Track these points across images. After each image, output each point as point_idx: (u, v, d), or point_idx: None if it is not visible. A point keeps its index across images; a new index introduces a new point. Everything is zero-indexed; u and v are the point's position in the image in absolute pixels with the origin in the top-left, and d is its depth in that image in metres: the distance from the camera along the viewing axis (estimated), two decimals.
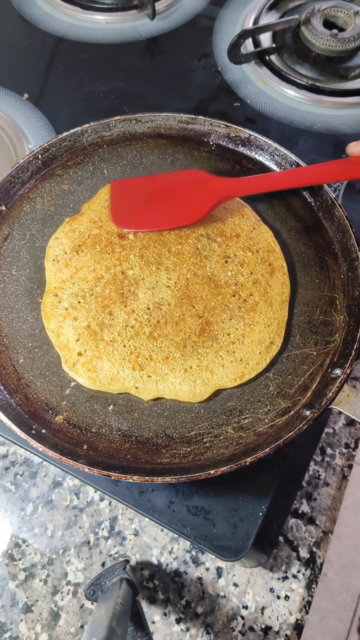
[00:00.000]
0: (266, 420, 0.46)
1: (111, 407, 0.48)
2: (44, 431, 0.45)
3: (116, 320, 0.50)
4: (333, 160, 0.54)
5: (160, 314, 0.50)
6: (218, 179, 0.55)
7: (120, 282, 0.51)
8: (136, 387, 0.48)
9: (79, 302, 0.51)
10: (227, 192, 0.54)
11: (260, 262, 0.53)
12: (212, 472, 0.41)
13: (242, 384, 0.48)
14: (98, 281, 0.52)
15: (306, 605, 0.50)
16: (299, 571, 0.51)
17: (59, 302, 0.51)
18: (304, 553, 0.52)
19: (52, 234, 0.55)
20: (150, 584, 0.51)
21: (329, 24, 0.77)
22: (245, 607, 0.50)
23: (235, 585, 0.51)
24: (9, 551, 0.52)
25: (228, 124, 0.59)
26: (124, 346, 0.49)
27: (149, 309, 0.50)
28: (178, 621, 0.49)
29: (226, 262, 0.53)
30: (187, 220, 0.53)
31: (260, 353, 0.49)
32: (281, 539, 0.52)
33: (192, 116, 0.60)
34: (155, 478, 0.41)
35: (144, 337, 0.49)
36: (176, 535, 0.52)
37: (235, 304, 0.50)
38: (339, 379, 0.45)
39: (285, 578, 0.51)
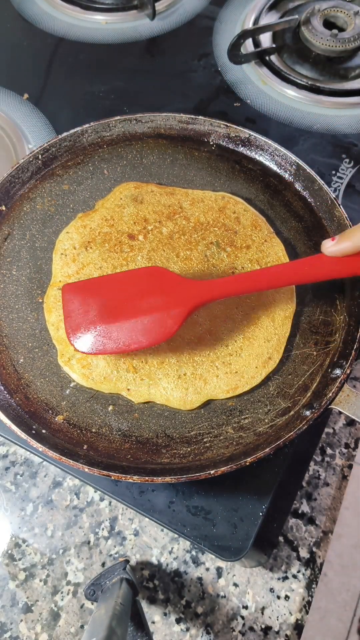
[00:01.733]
0: (266, 420, 0.46)
1: (111, 407, 0.48)
2: (44, 431, 0.45)
3: None
4: (308, 258, 0.47)
5: None
6: (186, 282, 0.46)
7: None
8: (128, 389, 0.48)
9: None
10: (200, 299, 0.45)
11: None
12: (212, 472, 0.41)
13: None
14: None
15: (306, 605, 0.50)
16: (299, 571, 0.51)
17: None
18: (304, 553, 0.52)
19: (52, 234, 0.55)
20: (150, 584, 0.51)
21: (329, 24, 0.77)
22: (245, 607, 0.50)
23: (235, 585, 0.51)
24: (9, 551, 0.52)
25: (228, 124, 0.59)
26: None
27: None
28: (178, 621, 0.49)
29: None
30: (155, 339, 0.44)
31: (256, 367, 0.48)
32: (281, 539, 0.52)
33: (192, 116, 0.60)
34: (155, 478, 0.41)
35: None
36: (176, 535, 0.52)
37: (237, 316, 0.50)
38: (339, 379, 0.45)
39: (285, 578, 0.51)
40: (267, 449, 0.42)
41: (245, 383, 0.48)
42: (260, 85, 0.75)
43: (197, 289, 0.46)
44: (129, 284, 0.46)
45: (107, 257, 0.53)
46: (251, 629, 0.49)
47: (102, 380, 0.48)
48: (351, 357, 0.46)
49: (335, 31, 0.74)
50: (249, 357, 0.48)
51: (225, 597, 0.50)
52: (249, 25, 0.80)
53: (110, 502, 0.54)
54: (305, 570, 0.51)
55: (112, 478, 0.42)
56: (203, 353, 0.48)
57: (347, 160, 0.67)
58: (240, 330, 0.49)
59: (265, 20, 0.81)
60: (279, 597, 0.50)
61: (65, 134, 0.59)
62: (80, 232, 0.55)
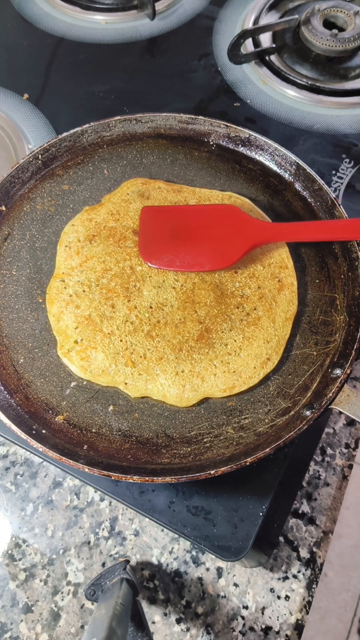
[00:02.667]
0: (266, 420, 0.46)
1: (111, 407, 0.48)
2: (44, 431, 0.45)
3: (117, 313, 0.50)
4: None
5: (161, 314, 0.50)
6: (254, 221, 0.52)
7: (128, 277, 0.52)
8: (125, 383, 0.48)
9: (84, 290, 0.51)
10: (263, 237, 0.51)
11: (270, 277, 0.52)
12: (212, 472, 0.41)
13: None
14: (106, 273, 0.52)
15: (306, 605, 0.50)
16: (299, 571, 0.51)
17: (65, 288, 0.51)
18: (304, 553, 0.52)
19: (52, 234, 0.56)
20: (151, 584, 0.51)
21: (329, 24, 0.77)
22: (246, 607, 0.50)
23: (236, 585, 0.51)
24: (9, 551, 0.52)
25: (228, 124, 0.59)
26: (121, 341, 0.49)
27: (151, 307, 0.50)
28: (178, 621, 0.49)
29: (236, 272, 0.52)
30: (216, 265, 0.51)
31: (254, 368, 0.48)
32: (281, 539, 0.52)
33: (192, 116, 0.60)
34: (155, 478, 0.41)
35: (142, 335, 0.49)
36: (176, 536, 0.52)
37: (237, 315, 0.50)
38: (339, 379, 0.45)
39: (286, 578, 0.51)
40: (267, 449, 0.42)
41: (242, 383, 0.48)
42: (260, 85, 0.75)
43: (261, 228, 0.52)
44: (203, 215, 0.53)
45: (111, 251, 0.53)
46: (251, 629, 0.49)
47: (100, 373, 0.48)
48: (351, 357, 0.46)
49: (335, 31, 0.74)
50: (247, 358, 0.48)
51: (225, 597, 0.50)
52: (249, 25, 0.80)
53: (110, 502, 0.54)
54: (306, 570, 0.51)
55: (113, 478, 0.42)
56: (202, 351, 0.48)
57: (347, 160, 0.67)
58: (240, 330, 0.49)
59: (265, 20, 0.81)
60: (279, 597, 0.50)
61: (65, 134, 0.59)
62: (86, 225, 0.55)
